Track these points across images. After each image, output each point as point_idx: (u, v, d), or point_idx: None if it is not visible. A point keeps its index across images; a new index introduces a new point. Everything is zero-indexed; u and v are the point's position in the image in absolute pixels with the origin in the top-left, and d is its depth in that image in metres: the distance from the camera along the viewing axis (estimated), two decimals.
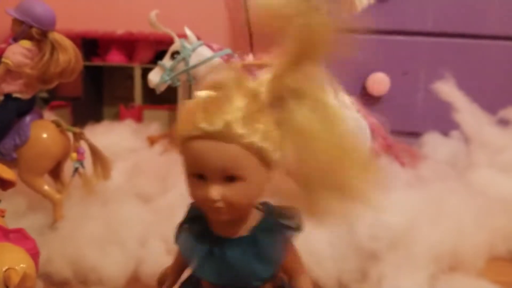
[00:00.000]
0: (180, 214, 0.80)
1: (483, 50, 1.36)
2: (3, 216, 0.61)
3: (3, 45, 1.56)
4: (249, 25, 1.76)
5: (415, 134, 1.36)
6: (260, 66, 0.81)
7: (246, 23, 1.75)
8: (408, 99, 1.38)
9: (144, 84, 1.63)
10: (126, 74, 1.62)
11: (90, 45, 1.62)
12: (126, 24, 1.74)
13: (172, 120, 1.55)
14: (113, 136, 1.18)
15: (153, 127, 1.41)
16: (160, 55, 1.68)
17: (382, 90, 1.33)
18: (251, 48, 1.75)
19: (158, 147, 1.17)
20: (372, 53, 1.35)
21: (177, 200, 0.84)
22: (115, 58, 1.59)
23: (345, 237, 0.67)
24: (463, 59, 1.36)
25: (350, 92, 1.10)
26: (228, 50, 0.78)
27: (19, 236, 0.57)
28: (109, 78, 1.72)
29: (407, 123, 1.38)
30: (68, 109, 1.58)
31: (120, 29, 1.61)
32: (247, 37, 1.75)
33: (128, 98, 1.64)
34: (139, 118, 1.55)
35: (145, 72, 1.64)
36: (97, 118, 1.73)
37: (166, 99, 1.65)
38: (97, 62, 1.61)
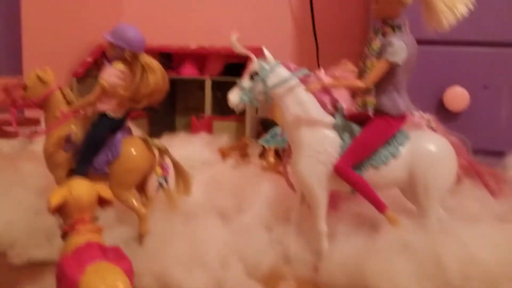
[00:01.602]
0: (257, 235, 0.82)
1: None
2: (100, 234, 0.66)
3: (88, 59, 1.70)
4: (316, 38, 1.76)
5: (497, 154, 1.26)
6: (338, 86, 0.80)
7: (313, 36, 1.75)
8: (490, 115, 1.28)
9: (214, 95, 1.70)
10: (197, 86, 1.69)
11: (165, 58, 1.71)
12: (198, 38, 1.82)
13: (240, 131, 1.58)
14: (188, 149, 1.23)
15: (223, 139, 1.45)
16: (229, 68, 1.74)
17: (461, 105, 1.25)
18: (318, 60, 1.74)
19: (230, 160, 1.20)
20: (450, 66, 1.29)
21: (254, 220, 0.85)
22: (188, 71, 1.67)
23: (433, 273, 0.63)
24: None
25: (425, 108, 1.05)
26: (305, 70, 0.78)
27: (116, 255, 0.61)
28: (181, 90, 1.81)
29: (489, 141, 1.29)
30: (145, 119, 1.68)
31: (193, 44, 1.68)
32: (314, 49, 1.75)
33: (198, 109, 1.70)
34: (209, 129, 1.61)
35: (215, 84, 1.71)
36: (171, 127, 1.82)
37: (234, 110, 1.70)
38: (171, 75, 1.69)
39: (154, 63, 0.79)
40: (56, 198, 0.63)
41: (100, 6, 1.85)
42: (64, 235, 0.65)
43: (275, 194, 0.93)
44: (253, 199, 0.92)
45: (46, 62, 1.53)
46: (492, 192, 0.91)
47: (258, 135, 1.41)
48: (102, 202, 0.68)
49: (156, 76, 0.78)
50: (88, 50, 1.72)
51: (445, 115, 1.24)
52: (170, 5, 1.96)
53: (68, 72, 1.63)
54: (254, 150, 1.40)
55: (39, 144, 1.04)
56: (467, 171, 0.99)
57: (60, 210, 0.65)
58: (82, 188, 0.65)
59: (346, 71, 1.14)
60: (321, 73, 0.90)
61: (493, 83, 1.28)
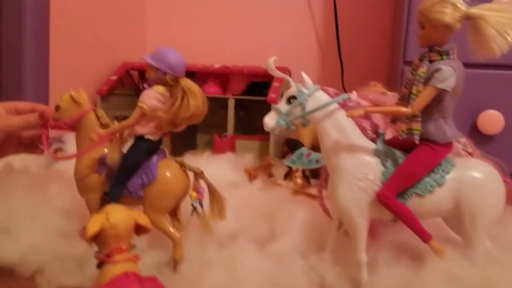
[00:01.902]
0: (292, 264, 0.79)
1: None
2: (136, 263, 0.64)
3: (113, 77, 1.71)
4: (341, 59, 1.75)
5: None
6: (382, 112, 0.78)
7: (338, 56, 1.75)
8: None
9: (236, 114, 1.69)
10: (219, 104, 1.69)
11: (188, 77, 1.71)
12: (221, 57, 1.83)
13: (263, 150, 1.57)
14: (213, 168, 1.21)
15: (247, 158, 1.43)
16: (252, 86, 1.74)
17: (496, 129, 1.23)
18: (342, 82, 1.73)
19: (257, 182, 1.18)
20: (484, 88, 1.27)
21: (289, 247, 0.83)
22: (211, 90, 1.66)
23: None
24: None
25: (460, 131, 1.03)
26: (345, 95, 0.76)
27: (153, 286, 0.59)
28: None
29: None
30: (168, 136, 1.67)
31: (216, 63, 1.68)
32: (339, 71, 1.74)
33: (220, 127, 1.69)
34: (232, 148, 1.59)
35: (238, 103, 1.70)
36: (192, 145, 1.81)
37: (257, 129, 1.69)
38: None
39: (194, 87, 0.78)
40: (94, 226, 0.61)
41: (123, 25, 1.87)
42: (100, 264, 0.63)
43: (309, 219, 0.90)
44: (287, 224, 0.89)
45: (72, 80, 1.55)
46: None
47: (282, 155, 1.39)
48: (139, 229, 0.66)
49: (197, 99, 0.77)
50: (112, 69, 1.74)
51: (479, 139, 1.22)
52: (192, 25, 1.98)
53: (92, 90, 1.64)
54: (278, 170, 1.38)
55: (65, 163, 1.03)
56: (509, 197, 0.96)
57: (96, 238, 0.63)
58: (120, 216, 0.63)
59: (378, 94, 1.12)
60: (354, 95, 0.88)
61: None
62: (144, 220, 0.65)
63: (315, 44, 1.87)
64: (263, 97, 1.56)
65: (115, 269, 0.61)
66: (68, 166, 1.01)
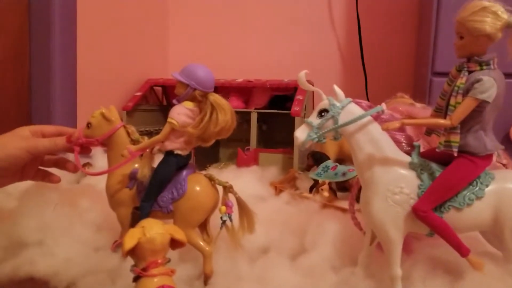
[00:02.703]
0: (324, 278, 0.78)
1: None
2: (172, 276, 0.64)
3: (138, 93, 1.75)
4: (365, 72, 1.74)
5: None
6: (420, 125, 0.76)
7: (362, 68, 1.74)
8: None
9: (259, 127, 1.70)
10: (242, 117, 1.69)
11: None
12: (243, 72, 1.85)
13: (286, 163, 1.56)
14: (240, 182, 1.21)
15: (271, 171, 1.43)
16: (274, 100, 1.74)
17: None
18: (367, 93, 1.72)
19: (284, 195, 1.17)
20: None
21: (320, 261, 0.81)
22: (234, 104, 1.68)
23: None
24: None
25: None
26: (380, 108, 0.75)
27: None
28: None
29: None
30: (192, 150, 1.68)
31: (239, 77, 1.70)
32: (363, 83, 1.73)
33: (242, 141, 1.70)
34: (255, 161, 1.59)
35: (261, 116, 1.71)
36: (215, 158, 1.82)
37: (280, 142, 1.69)
38: None
39: (223, 102, 0.79)
40: (131, 240, 0.62)
41: (147, 42, 1.92)
42: (136, 278, 0.63)
43: (340, 232, 0.89)
44: (317, 237, 0.88)
45: (98, 97, 1.59)
46: None
47: (307, 168, 1.38)
48: (174, 243, 0.66)
49: (226, 114, 0.78)
50: (136, 85, 1.78)
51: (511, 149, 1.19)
52: (214, 41, 2.01)
53: (118, 106, 1.68)
54: (303, 183, 1.37)
55: (94, 178, 1.05)
56: None
57: (133, 252, 0.63)
58: (156, 230, 0.63)
59: (407, 105, 1.11)
60: (384, 107, 0.87)
61: None
62: (179, 235, 0.65)
63: (338, 56, 1.87)
64: (285, 110, 1.56)
65: (152, 283, 0.61)
66: (98, 181, 1.03)
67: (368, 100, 1.69)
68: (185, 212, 0.80)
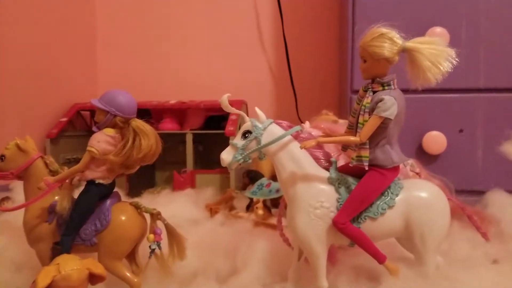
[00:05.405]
0: None
1: None
2: None
3: (63, 119, 1.67)
4: (294, 91, 1.81)
5: (476, 193, 1.31)
6: (333, 142, 0.81)
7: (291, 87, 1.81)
8: (467, 157, 1.34)
9: (195, 149, 1.69)
10: (178, 139, 1.68)
11: (143, 115, 1.69)
12: (176, 93, 1.84)
13: (224, 183, 1.56)
14: (174, 207, 1.20)
15: (208, 192, 1.43)
16: (209, 120, 1.75)
17: (439, 149, 1.31)
18: (297, 111, 1.79)
19: (218, 217, 1.17)
20: (427, 112, 1.36)
21: (251, 282, 0.82)
22: (168, 126, 1.66)
23: None
24: None
25: (407, 152, 1.08)
26: (298, 127, 0.79)
27: None
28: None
29: (468, 181, 1.34)
30: (125, 176, 1.62)
31: (172, 99, 1.69)
32: (293, 102, 1.79)
33: (179, 163, 1.68)
34: (192, 183, 1.58)
35: (196, 137, 1.70)
36: (151, 183, 1.78)
37: (217, 163, 1.69)
38: None
39: (146, 127, 0.78)
40: (44, 279, 0.59)
41: (74, 65, 1.84)
42: None
43: (269, 250, 0.90)
44: (248, 257, 0.89)
45: (18, 126, 1.49)
46: (482, 233, 0.93)
47: (243, 186, 1.39)
48: (93, 278, 0.64)
49: (149, 139, 0.77)
50: (62, 110, 1.69)
51: (425, 159, 1.29)
52: (145, 63, 1.99)
53: (41, 133, 1.59)
54: (240, 202, 1.38)
55: (13, 213, 0.98)
56: (454, 213, 1.01)
57: None
58: (71, 266, 0.61)
59: (329, 122, 1.17)
60: (307, 125, 0.91)
61: (468, 127, 1.34)
62: (98, 269, 0.63)
63: (269, 77, 1.93)
64: (221, 130, 1.57)
65: None
66: (16, 217, 0.96)
67: (299, 118, 1.76)
68: (110, 243, 0.77)
